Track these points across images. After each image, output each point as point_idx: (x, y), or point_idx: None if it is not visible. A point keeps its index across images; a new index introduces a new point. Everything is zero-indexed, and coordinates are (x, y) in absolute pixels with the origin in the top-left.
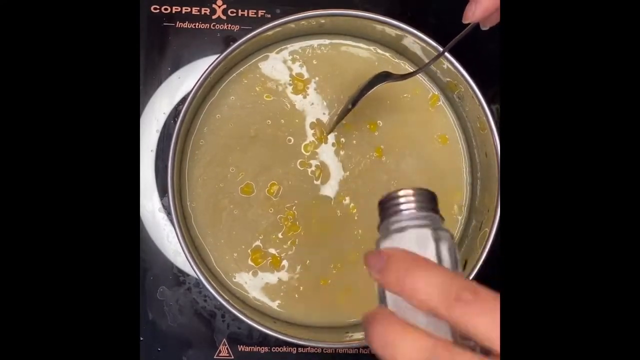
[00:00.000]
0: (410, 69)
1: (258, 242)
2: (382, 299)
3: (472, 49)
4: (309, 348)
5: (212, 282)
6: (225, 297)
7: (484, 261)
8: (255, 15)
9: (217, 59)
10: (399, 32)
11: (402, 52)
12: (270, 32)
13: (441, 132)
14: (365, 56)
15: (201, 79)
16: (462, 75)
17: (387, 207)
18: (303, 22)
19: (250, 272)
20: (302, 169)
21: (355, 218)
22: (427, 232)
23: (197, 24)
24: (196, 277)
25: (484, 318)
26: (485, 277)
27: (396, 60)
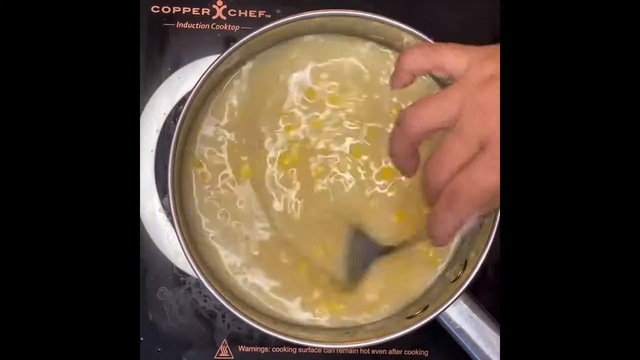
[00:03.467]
0: None
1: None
2: None
3: None
4: (309, 348)
5: (213, 283)
6: (226, 297)
7: (484, 261)
8: (255, 16)
9: (217, 58)
10: (399, 32)
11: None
12: (270, 32)
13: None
14: (365, 53)
15: (201, 79)
16: None
17: None
18: (303, 23)
19: (251, 272)
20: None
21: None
22: None
23: (197, 24)
24: (196, 277)
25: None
26: (485, 277)
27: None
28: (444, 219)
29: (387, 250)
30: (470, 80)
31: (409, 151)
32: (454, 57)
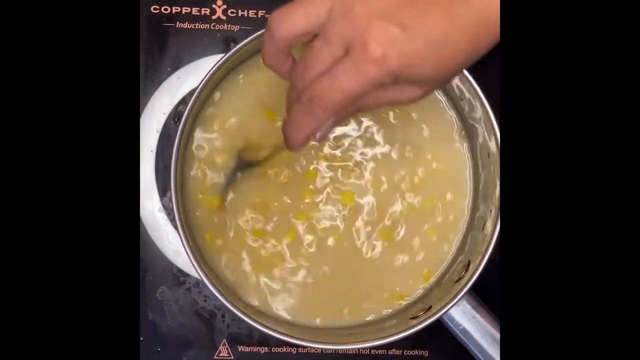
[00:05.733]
0: None
1: (260, 241)
2: None
3: None
4: (309, 348)
5: (214, 283)
6: (228, 297)
7: (487, 262)
8: (255, 16)
9: (222, 58)
10: None
11: None
12: None
13: (444, 133)
14: None
15: (205, 79)
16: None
17: None
18: None
19: (252, 272)
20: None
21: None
22: None
23: (197, 24)
24: (197, 277)
25: None
26: (488, 277)
27: None
28: (302, 122)
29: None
30: None
31: (278, 55)
32: None
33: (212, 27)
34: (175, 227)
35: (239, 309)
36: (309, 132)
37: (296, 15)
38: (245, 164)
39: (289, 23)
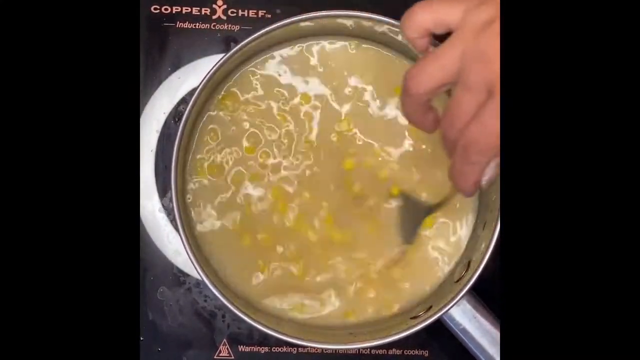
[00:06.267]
0: None
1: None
2: None
3: None
4: (309, 348)
5: (214, 283)
6: (228, 297)
7: (487, 262)
8: (255, 16)
9: (222, 58)
10: (399, 32)
11: (404, 52)
12: (276, 32)
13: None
14: (366, 55)
15: (205, 79)
16: None
17: None
18: (306, 23)
19: (253, 272)
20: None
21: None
22: None
23: (197, 24)
24: (197, 277)
25: None
26: (487, 279)
27: (398, 61)
28: (463, 171)
29: (434, 207)
30: (467, 28)
31: (419, 111)
32: (449, 8)
33: (212, 27)
34: (175, 227)
35: (239, 309)
36: (474, 179)
37: (430, 69)
38: None
39: (425, 78)
